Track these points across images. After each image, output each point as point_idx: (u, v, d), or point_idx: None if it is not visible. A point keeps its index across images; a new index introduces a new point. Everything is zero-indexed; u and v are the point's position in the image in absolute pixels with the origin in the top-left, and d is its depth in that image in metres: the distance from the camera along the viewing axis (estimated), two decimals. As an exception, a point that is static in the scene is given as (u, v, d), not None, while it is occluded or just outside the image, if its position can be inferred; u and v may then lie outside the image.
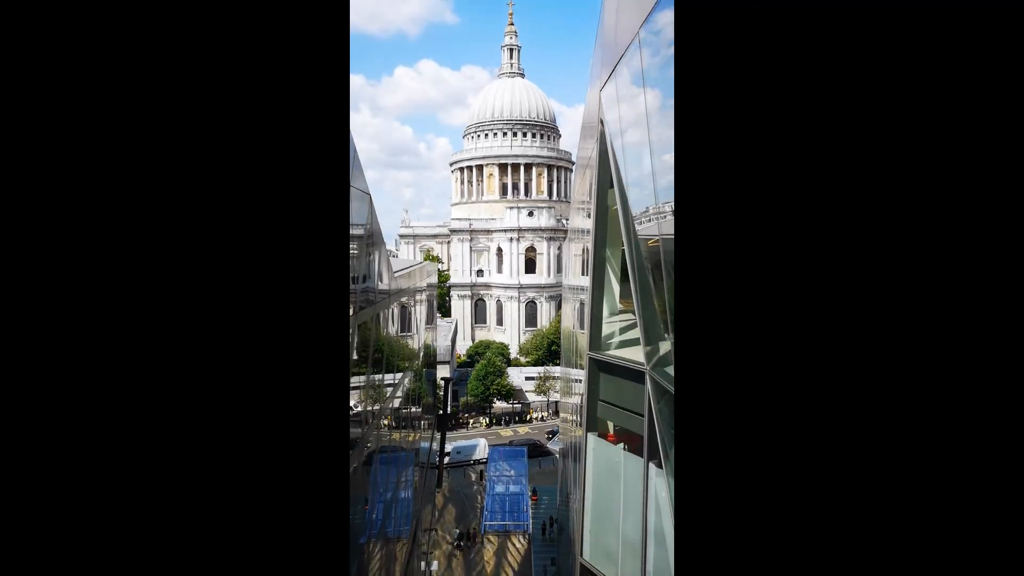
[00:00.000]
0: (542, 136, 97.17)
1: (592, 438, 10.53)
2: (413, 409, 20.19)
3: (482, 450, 50.83)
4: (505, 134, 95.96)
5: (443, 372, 52.32)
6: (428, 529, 34.50)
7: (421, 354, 23.08)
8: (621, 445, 9.80)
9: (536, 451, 49.84)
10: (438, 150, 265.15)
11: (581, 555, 10.58)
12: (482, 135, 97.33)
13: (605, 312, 10.44)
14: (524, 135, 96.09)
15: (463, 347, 77.73)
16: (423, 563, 30.16)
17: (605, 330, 10.41)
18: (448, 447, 48.96)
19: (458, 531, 39.36)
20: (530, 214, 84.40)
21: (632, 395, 9.21)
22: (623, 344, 10.01)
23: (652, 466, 8.64)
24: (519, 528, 38.06)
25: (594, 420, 10.57)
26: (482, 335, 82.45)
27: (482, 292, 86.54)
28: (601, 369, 10.39)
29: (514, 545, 37.24)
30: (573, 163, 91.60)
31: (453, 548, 37.98)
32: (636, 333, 8.91)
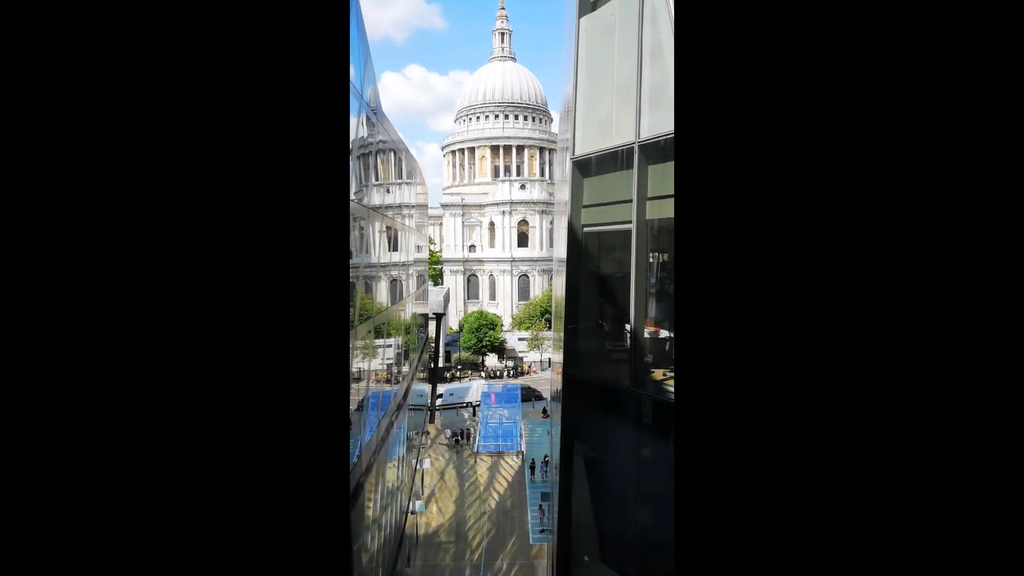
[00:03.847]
0: (534, 119, 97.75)
1: (584, 20, 10.09)
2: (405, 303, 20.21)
3: (474, 392, 50.27)
4: (497, 116, 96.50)
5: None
6: (422, 432, 33.88)
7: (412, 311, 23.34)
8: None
9: (530, 394, 49.49)
10: (428, 156, 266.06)
11: (573, 155, 10.07)
12: (474, 118, 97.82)
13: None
14: (516, 117, 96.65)
15: (455, 323, 76.88)
16: (415, 460, 29.59)
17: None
18: (441, 389, 48.46)
19: (450, 431, 38.57)
20: (522, 187, 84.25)
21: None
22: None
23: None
24: (511, 449, 37.64)
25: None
26: (475, 310, 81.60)
27: (475, 267, 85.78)
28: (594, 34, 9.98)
29: (506, 463, 36.53)
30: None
31: (449, 443, 37.72)
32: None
